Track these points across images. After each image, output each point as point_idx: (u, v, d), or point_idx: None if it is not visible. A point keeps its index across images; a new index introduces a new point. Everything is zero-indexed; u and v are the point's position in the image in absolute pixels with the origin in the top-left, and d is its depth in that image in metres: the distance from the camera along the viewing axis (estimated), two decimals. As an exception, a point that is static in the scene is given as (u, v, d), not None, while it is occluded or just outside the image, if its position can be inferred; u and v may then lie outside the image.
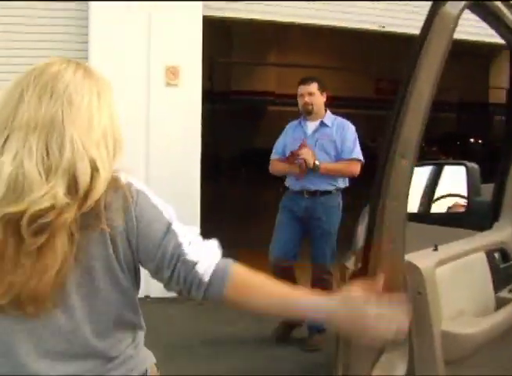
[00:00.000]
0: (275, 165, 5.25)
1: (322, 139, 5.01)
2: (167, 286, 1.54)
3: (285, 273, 4.69)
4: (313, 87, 5.09)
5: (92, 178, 1.42)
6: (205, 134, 6.68)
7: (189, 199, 6.35)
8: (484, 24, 2.36)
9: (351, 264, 4.35)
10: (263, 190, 13.39)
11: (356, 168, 4.98)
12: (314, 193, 4.98)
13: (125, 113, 5.99)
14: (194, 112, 6.46)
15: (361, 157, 4.97)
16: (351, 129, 5.03)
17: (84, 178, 1.41)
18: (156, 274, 1.54)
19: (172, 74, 6.33)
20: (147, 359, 1.68)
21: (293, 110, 5.82)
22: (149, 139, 6.33)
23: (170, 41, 6.36)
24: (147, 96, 6.31)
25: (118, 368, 1.57)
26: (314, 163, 4.86)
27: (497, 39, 2.62)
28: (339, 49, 20.93)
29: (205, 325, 5.57)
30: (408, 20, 7.10)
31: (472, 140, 23.20)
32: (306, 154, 4.89)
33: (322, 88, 5.12)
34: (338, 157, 4.99)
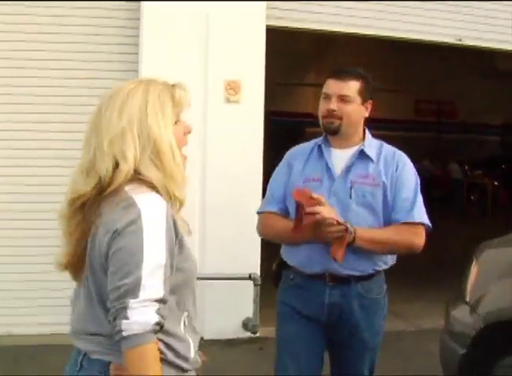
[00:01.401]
0: (272, 222, 3.04)
1: (363, 184, 2.90)
2: None
3: None
4: (350, 86, 2.93)
5: (114, 172, 1.74)
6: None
7: (251, 224, 5.74)
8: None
9: (459, 314, 3.70)
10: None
11: (421, 240, 2.88)
12: (345, 280, 2.88)
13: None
14: (256, 131, 5.86)
15: (427, 221, 2.90)
16: (409, 166, 2.97)
17: (102, 173, 1.74)
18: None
19: (232, 89, 5.72)
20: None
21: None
22: (206, 161, 5.75)
23: (230, 52, 5.77)
24: (204, 114, 5.70)
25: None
26: (347, 228, 2.72)
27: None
28: (377, 69, 20.47)
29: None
30: (487, 33, 6.60)
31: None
32: (326, 212, 2.70)
33: (365, 93, 2.98)
34: (388, 219, 2.90)
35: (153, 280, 1.65)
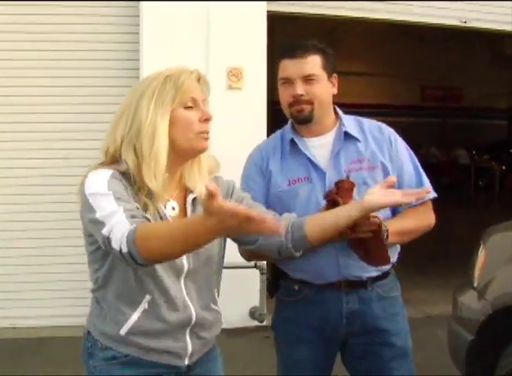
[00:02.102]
0: None
1: (360, 170, 2.44)
2: None
3: None
4: (312, 63, 2.43)
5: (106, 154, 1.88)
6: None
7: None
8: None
9: (467, 300, 3.62)
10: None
11: (433, 216, 2.55)
12: (362, 284, 2.47)
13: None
14: (260, 119, 5.76)
15: (434, 192, 2.52)
16: (398, 136, 2.58)
17: (102, 157, 1.88)
18: None
19: (234, 76, 5.64)
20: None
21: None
22: (209, 151, 5.64)
23: (231, 39, 5.69)
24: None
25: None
26: (381, 223, 2.28)
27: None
28: (383, 56, 20.32)
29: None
30: (491, 14, 6.51)
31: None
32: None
33: (328, 66, 2.47)
34: None
35: (105, 210, 1.72)
